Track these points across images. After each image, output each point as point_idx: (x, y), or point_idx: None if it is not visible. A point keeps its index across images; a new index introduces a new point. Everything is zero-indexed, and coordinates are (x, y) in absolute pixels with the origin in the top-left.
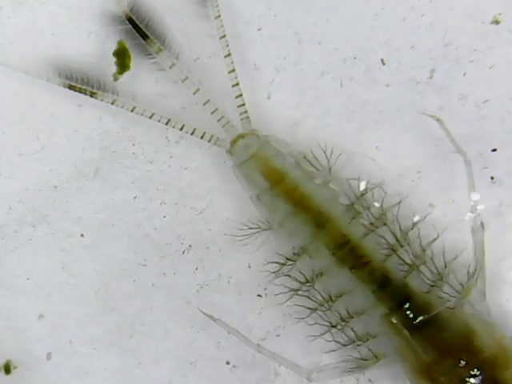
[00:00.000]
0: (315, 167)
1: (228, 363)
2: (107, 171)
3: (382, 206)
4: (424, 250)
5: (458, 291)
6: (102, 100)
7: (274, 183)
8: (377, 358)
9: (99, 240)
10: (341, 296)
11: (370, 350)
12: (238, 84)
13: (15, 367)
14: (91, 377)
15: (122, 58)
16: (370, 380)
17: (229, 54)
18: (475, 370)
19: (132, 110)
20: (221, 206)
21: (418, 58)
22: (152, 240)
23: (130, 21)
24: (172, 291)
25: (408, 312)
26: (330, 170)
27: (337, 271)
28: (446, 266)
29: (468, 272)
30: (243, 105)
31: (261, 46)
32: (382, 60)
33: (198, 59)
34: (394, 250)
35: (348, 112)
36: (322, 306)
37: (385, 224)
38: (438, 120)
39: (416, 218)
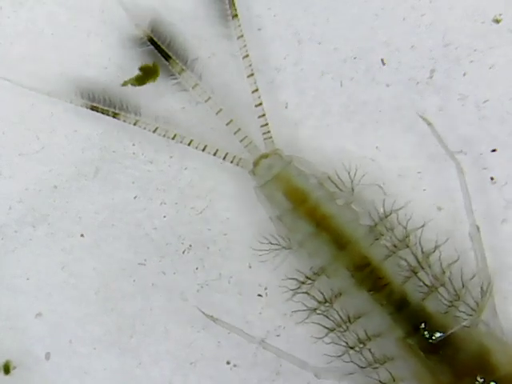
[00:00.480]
0: (338, 188)
1: (228, 363)
2: (107, 171)
3: (406, 228)
4: (444, 272)
5: (472, 309)
6: (124, 121)
7: (297, 204)
8: (394, 380)
9: (99, 240)
10: (359, 317)
11: (388, 371)
12: (261, 104)
13: (15, 367)
14: (91, 377)
15: (145, 74)
16: None
17: (252, 74)
18: None
19: (154, 131)
20: (221, 205)
21: (418, 58)
22: (152, 240)
23: (152, 42)
24: (172, 291)
25: (424, 334)
26: (352, 190)
27: (355, 292)
28: (463, 286)
29: (481, 288)
30: (266, 124)
31: (261, 46)
32: (382, 60)
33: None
34: (415, 273)
35: (348, 112)
36: (339, 326)
37: (407, 246)
38: (430, 124)
39: (438, 241)
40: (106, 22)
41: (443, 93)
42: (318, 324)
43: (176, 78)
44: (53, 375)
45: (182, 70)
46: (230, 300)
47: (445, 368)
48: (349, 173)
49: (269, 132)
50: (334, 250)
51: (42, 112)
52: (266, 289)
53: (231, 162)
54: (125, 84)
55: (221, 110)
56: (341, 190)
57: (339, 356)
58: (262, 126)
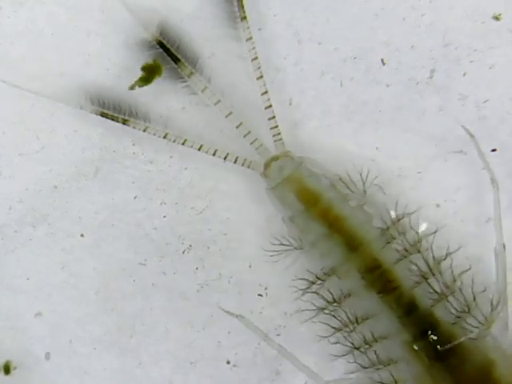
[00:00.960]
0: (350, 189)
1: (228, 363)
2: (107, 171)
3: (418, 232)
4: (455, 281)
5: (481, 322)
6: (134, 127)
7: (309, 205)
8: (396, 383)
9: (99, 240)
10: (367, 319)
11: (391, 374)
12: (270, 106)
13: (15, 367)
14: (91, 377)
15: (149, 73)
16: None
17: (261, 76)
18: None
19: (164, 137)
20: (221, 205)
21: (418, 58)
22: (152, 240)
23: (161, 45)
24: (172, 291)
25: (431, 341)
26: (365, 192)
27: (365, 294)
28: (474, 298)
29: (492, 303)
30: (276, 127)
31: (261, 46)
32: (382, 60)
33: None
34: (426, 278)
35: (348, 112)
36: (346, 326)
37: (419, 251)
38: (472, 137)
39: (450, 248)
40: (106, 22)
41: (443, 93)
42: (325, 323)
43: (185, 81)
44: (53, 375)
45: (191, 73)
46: (230, 300)
47: (447, 377)
48: (361, 174)
49: (279, 134)
50: (346, 251)
51: (42, 112)
52: (266, 289)
53: (242, 164)
54: (132, 87)
55: (231, 112)
56: (353, 191)
57: (343, 355)
58: (271, 128)
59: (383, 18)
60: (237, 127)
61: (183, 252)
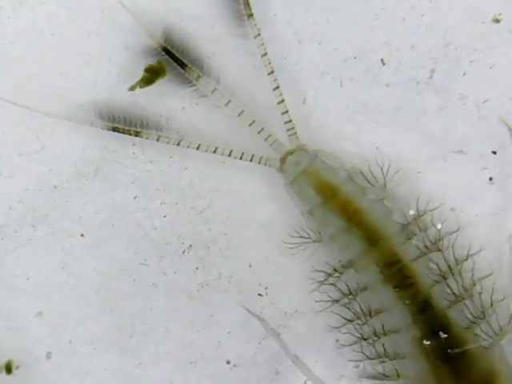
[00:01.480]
0: (370, 183)
1: (228, 362)
2: (107, 171)
3: (440, 230)
4: (474, 285)
5: (495, 332)
6: (146, 138)
7: (327, 197)
8: (398, 376)
9: (99, 240)
10: (380, 312)
11: (394, 367)
12: (283, 101)
13: (17, 367)
14: (91, 377)
15: (152, 75)
16: None
17: (271, 72)
18: None
19: (178, 144)
20: (221, 205)
21: (418, 58)
22: (152, 240)
23: (167, 51)
24: (172, 291)
25: (441, 342)
26: (385, 186)
27: (381, 288)
28: (491, 305)
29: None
30: (290, 121)
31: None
32: (381, 60)
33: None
34: (445, 278)
35: (348, 112)
36: (359, 318)
37: (439, 249)
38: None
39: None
40: (106, 22)
41: (443, 93)
42: (338, 314)
43: (194, 85)
44: (53, 375)
45: (199, 76)
46: (230, 300)
47: (451, 381)
48: (382, 168)
49: (293, 128)
50: (365, 244)
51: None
52: (266, 288)
53: (258, 162)
54: (133, 88)
55: (242, 111)
56: (373, 185)
57: (351, 345)
58: (285, 123)
59: (383, 18)
60: (250, 125)
61: (183, 252)
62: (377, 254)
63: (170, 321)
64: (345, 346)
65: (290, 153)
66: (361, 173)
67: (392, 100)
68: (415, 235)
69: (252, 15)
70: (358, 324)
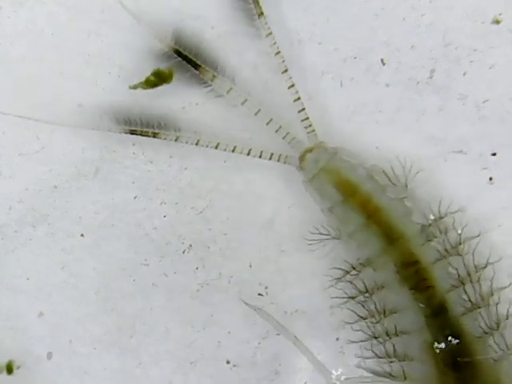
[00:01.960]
0: (392, 182)
1: (228, 362)
2: (107, 171)
3: (461, 234)
4: (492, 294)
5: (507, 345)
6: (165, 139)
7: (348, 195)
8: (405, 378)
9: (99, 240)
10: (394, 312)
11: (402, 368)
12: (299, 98)
13: (18, 367)
14: (91, 377)
15: (158, 79)
16: None
17: (286, 70)
18: None
19: (197, 144)
20: (221, 205)
21: (418, 58)
22: (152, 240)
23: (179, 54)
24: (172, 291)
25: (451, 348)
26: (406, 186)
27: (397, 288)
28: (507, 318)
29: None
30: (307, 118)
31: (261, 46)
32: (381, 60)
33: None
34: (463, 284)
35: (348, 112)
36: (372, 317)
37: (459, 254)
38: None
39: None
40: (106, 22)
41: (443, 93)
42: (352, 311)
43: (209, 85)
44: (53, 375)
45: (214, 76)
46: (230, 300)
47: None
48: (403, 167)
49: (311, 125)
50: (384, 243)
51: (42, 112)
52: (266, 288)
53: (277, 160)
54: (134, 87)
55: (259, 110)
56: (394, 184)
57: (362, 341)
58: (302, 120)
59: (383, 18)
60: (267, 123)
61: (183, 252)
62: (395, 254)
63: (170, 321)
64: (355, 342)
65: (309, 150)
66: (383, 172)
67: (392, 100)
68: (435, 237)
69: (262, 14)
70: (371, 322)
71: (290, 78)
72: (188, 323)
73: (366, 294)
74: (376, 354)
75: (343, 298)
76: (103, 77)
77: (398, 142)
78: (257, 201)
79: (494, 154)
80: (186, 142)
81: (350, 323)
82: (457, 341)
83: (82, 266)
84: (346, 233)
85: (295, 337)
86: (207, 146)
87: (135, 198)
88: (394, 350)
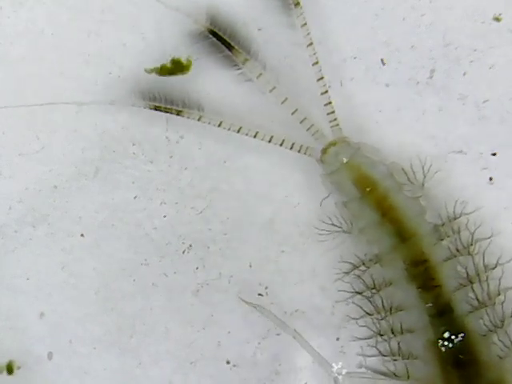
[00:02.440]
0: (410, 180)
1: (228, 362)
2: (107, 171)
3: (473, 234)
4: (499, 294)
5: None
6: (188, 117)
7: (366, 192)
8: (408, 377)
9: (99, 240)
10: (401, 310)
11: (406, 366)
12: (327, 91)
13: (19, 367)
14: (91, 377)
15: (175, 68)
16: None
17: (316, 62)
18: None
19: (219, 125)
20: (221, 205)
21: (418, 58)
22: (152, 240)
23: (214, 34)
24: (172, 291)
25: (455, 347)
26: (423, 185)
27: (405, 286)
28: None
29: None
30: (333, 112)
31: (261, 46)
32: (381, 60)
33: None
34: (471, 283)
35: (348, 112)
36: (378, 313)
37: (470, 254)
38: None
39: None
40: (106, 22)
41: (443, 93)
42: (358, 306)
43: (240, 68)
44: (53, 375)
45: (246, 59)
46: (230, 300)
47: None
48: (422, 167)
49: (336, 119)
50: (395, 240)
51: (42, 112)
52: (266, 288)
53: (298, 151)
54: (150, 71)
55: (286, 99)
56: (412, 182)
57: (366, 339)
58: (328, 114)
59: (383, 18)
60: (292, 113)
61: (183, 252)
62: (405, 251)
63: (170, 321)
64: (360, 339)
65: (333, 144)
66: (402, 169)
67: (392, 100)
68: (448, 237)
69: (298, 3)
70: (376, 319)
71: (320, 70)
72: (188, 323)
73: (373, 290)
74: (380, 352)
75: (350, 292)
76: (103, 77)
77: (398, 142)
78: (257, 201)
79: (494, 154)
80: (209, 123)
81: (355, 318)
82: (461, 339)
83: (82, 266)
84: (358, 228)
85: (295, 331)
86: (229, 129)
87: (135, 198)
88: (399, 347)
